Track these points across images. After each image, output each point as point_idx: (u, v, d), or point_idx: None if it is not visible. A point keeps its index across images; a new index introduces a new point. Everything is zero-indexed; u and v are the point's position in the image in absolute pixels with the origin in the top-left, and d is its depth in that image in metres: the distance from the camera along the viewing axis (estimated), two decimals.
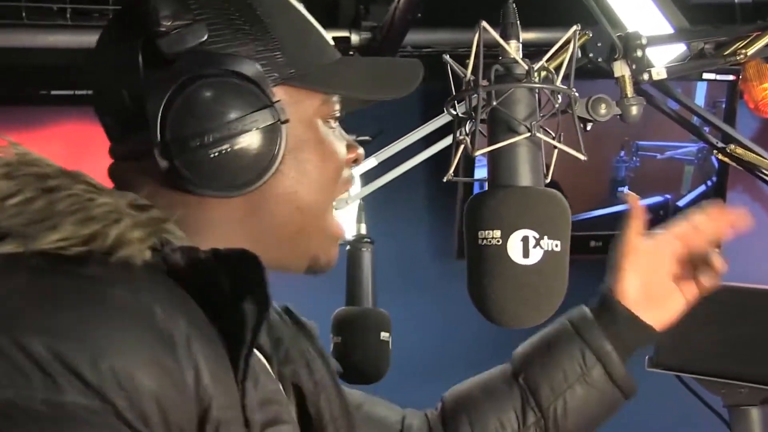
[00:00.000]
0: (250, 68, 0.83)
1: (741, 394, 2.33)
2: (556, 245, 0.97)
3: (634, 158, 3.02)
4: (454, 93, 1.08)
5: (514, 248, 0.96)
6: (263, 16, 0.87)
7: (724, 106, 3.03)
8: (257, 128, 0.83)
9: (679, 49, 1.40)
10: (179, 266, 0.77)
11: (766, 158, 2.15)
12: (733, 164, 2.12)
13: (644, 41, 1.09)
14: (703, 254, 1.11)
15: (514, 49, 1.00)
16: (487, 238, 0.97)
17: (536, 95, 1.01)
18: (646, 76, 1.07)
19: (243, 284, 0.75)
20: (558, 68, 1.02)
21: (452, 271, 3.03)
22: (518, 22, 1.02)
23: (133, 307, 0.71)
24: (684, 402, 2.23)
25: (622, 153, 3.01)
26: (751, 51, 1.32)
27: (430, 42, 2.87)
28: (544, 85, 0.98)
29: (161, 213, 0.81)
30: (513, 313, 0.99)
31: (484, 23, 0.98)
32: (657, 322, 1.14)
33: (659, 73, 1.10)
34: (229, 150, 0.82)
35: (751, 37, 1.49)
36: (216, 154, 0.81)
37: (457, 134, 1.03)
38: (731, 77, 2.98)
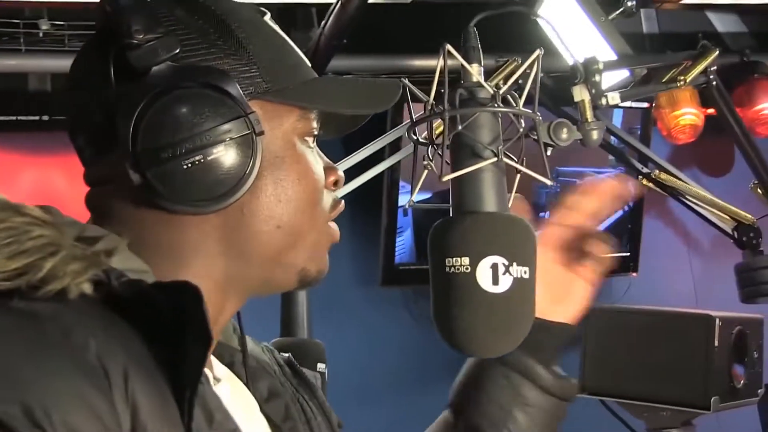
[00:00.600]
0: (225, 80, 0.81)
1: (663, 416, 2.37)
2: (525, 272, 0.95)
3: (555, 184, 3.06)
4: (412, 118, 1.06)
5: (483, 275, 0.94)
6: (237, 31, 0.85)
7: (639, 132, 3.10)
8: (231, 138, 0.80)
9: (619, 75, 1.41)
10: (123, 299, 0.73)
11: (688, 184, 2.21)
12: (657, 189, 2.16)
13: (601, 66, 1.09)
14: (584, 233, 1.09)
15: (477, 72, 0.99)
16: (455, 266, 0.95)
17: (499, 120, 0.99)
18: (604, 101, 1.07)
19: (183, 319, 0.72)
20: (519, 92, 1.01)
21: (377, 297, 3.02)
22: (479, 45, 1.01)
23: (63, 342, 0.68)
24: (608, 427, 2.26)
25: None
26: (689, 78, 1.34)
27: (352, 68, 2.87)
28: (511, 110, 0.97)
29: (109, 244, 0.77)
30: (482, 342, 0.97)
31: (449, 47, 0.96)
32: (568, 316, 1.12)
33: (614, 98, 1.11)
34: (201, 161, 0.79)
35: (683, 65, 1.52)
36: (188, 165, 0.79)
37: (422, 160, 1.00)
38: (645, 104, 3.06)
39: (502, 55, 2.00)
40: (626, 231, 3.22)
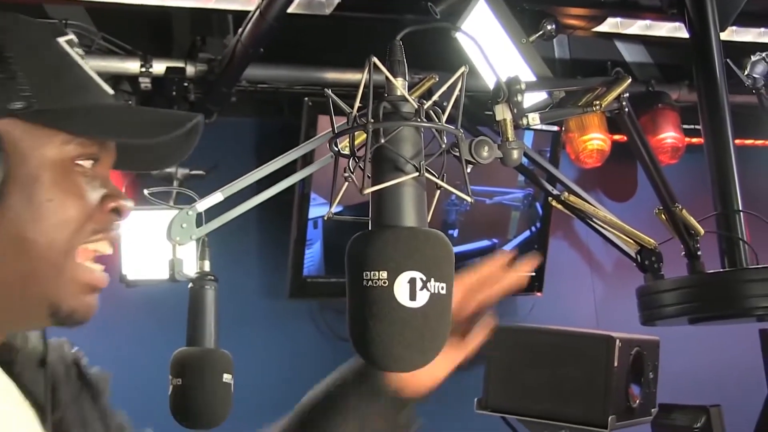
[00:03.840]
0: None
1: None
2: (442, 288, 0.95)
3: (464, 202, 3.09)
4: (334, 129, 1.05)
5: (401, 290, 0.93)
6: (4, 49, 0.79)
7: (548, 155, 3.16)
8: None
9: (536, 97, 1.43)
10: None
11: (595, 207, 2.25)
12: (566, 211, 2.20)
13: (523, 86, 1.10)
14: (475, 313, 1.17)
15: (401, 86, 0.99)
16: (372, 279, 0.94)
17: (422, 135, 0.99)
18: (524, 121, 1.08)
19: None
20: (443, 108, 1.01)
21: (284, 310, 2.98)
22: (405, 60, 1.01)
23: None
24: None
25: (453, 196, 3.07)
26: (605, 103, 1.37)
27: (266, 78, 2.84)
28: (434, 125, 0.97)
29: None
30: (397, 357, 0.96)
31: (375, 59, 0.96)
32: (423, 384, 1.21)
33: (534, 119, 1.12)
34: None
35: (597, 91, 1.56)
36: None
37: (342, 172, 0.99)
38: (555, 128, 3.12)
39: (419, 71, 2.02)
40: (533, 251, 3.28)
